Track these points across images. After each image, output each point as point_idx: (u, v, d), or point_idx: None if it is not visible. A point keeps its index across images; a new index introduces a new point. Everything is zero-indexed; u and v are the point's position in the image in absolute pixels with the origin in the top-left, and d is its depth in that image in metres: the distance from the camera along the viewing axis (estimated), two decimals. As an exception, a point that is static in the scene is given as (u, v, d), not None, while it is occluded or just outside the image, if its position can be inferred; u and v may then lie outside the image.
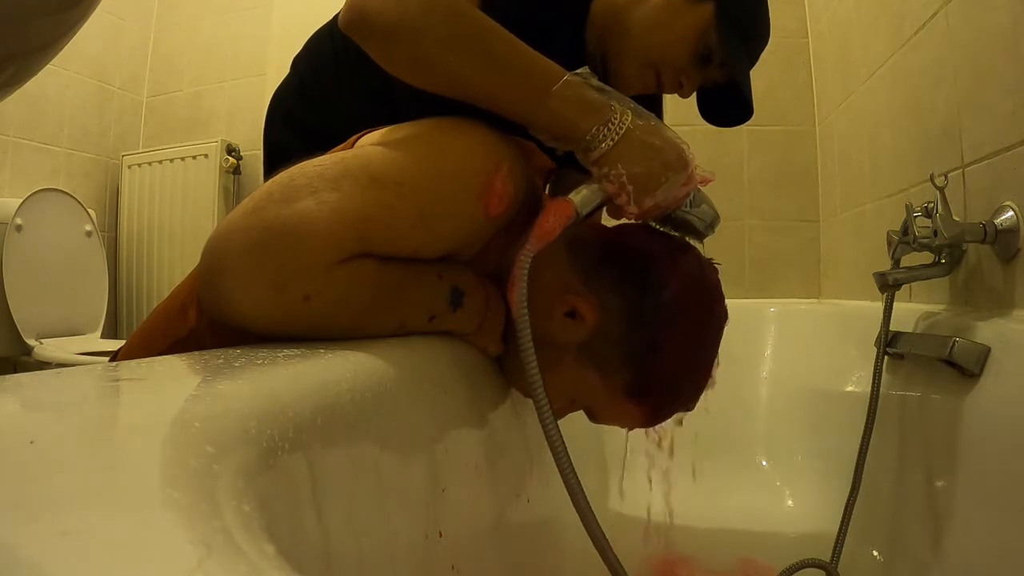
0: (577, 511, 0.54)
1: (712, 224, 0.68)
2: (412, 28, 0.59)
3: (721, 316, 0.67)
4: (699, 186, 0.66)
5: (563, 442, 0.56)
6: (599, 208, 0.63)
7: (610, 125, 0.61)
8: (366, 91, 0.85)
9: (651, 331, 0.62)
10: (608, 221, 0.72)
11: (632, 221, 0.67)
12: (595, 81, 0.63)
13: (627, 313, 0.62)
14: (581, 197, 0.61)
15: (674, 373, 0.64)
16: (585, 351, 0.63)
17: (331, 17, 0.92)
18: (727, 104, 0.87)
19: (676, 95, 0.86)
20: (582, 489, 0.54)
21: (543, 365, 0.65)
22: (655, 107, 0.95)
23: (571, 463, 0.55)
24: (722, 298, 0.67)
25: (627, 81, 0.82)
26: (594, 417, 0.69)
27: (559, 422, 0.61)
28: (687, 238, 0.70)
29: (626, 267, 0.64)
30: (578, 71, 0.63)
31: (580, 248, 0.65)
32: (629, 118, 0.62)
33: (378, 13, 0.59)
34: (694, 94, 0.87)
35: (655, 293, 0.63)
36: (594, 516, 0.54)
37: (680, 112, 0.98)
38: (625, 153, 0.61)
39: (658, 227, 0.69)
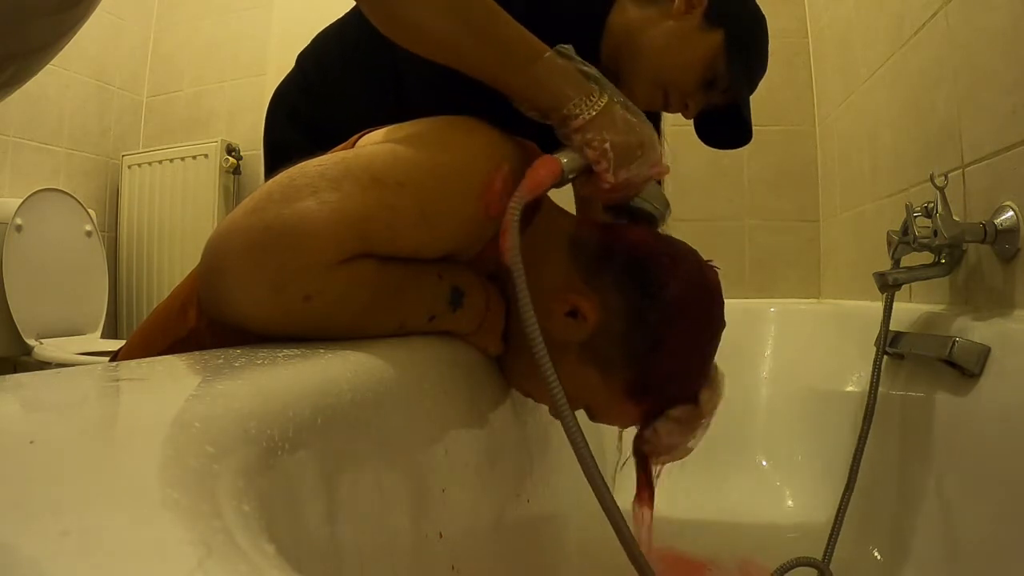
0: (597, 497, 0.54)
1: (665, 214, 0.70)
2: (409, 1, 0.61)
3: (720, 318, 0.67)
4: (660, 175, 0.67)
5: (572, 414, 0.55)
6: (579, 175, 0.63)
7: (592, 96, 0.63)
8: (373, 88, 0.86)
9: (651, 330, 0.63)
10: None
11: (599, 201, 0.68)
12: (577, 58, 0.65)
13: (628, 312, 0.62)
14: (566, 158, 0.62)
15: (671, 373, 0.64)
16: (586, 350, 0.63)
17: (336, 17, 0.93)
18: (725, 127, 0.90)
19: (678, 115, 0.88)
20: (600, 473, 0.54)
21: None
22: (654, 122, 0.96)
23: (583, 434, 0.54)
24: (721, 302, 0.68)
25: (635, 99, 0.83)
26: (593, 416, 0.69)
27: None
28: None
29: (627, 266, 0.64)
30: (562, 48, 0.64)
31: (580, 247, 0.66)
32: (608, 92, 0.64)
33: None
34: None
35: (656, 292, 0.63)
36: (616, 505, 0.54)
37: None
38: (607, 123, 0.62)
39: (615, 216, 0.71)
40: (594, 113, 0.62)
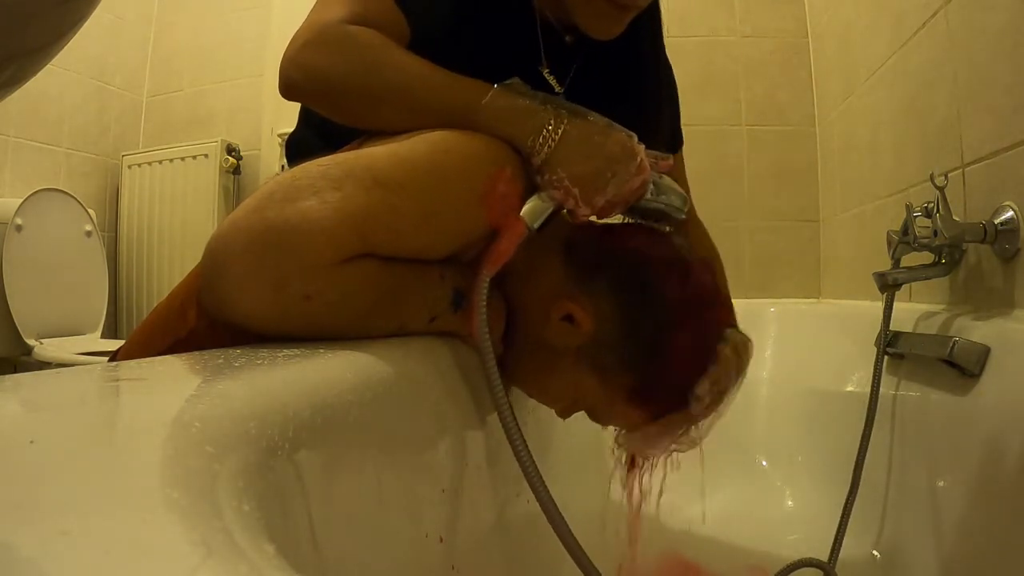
0: (544, 512, 0.54)
1: (680, 208, 0.67)
2: (335, 92, 0.64)
3: (717, 322, 0.66)
4: (659, 172, 0.65)
5: (531, 457, 0.55)
6: (553, 216, 0.61)
7: (546, 131, 0.60)
8: None
9: (647, 337, 0.62)
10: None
11: (599, 219, 0.67)
12: (525, 89, 0.63)
13: (624, 318, 0.62)
14: (530, 211, 0.59)
15: (672, 379, 0.64)
16: (583, 355, 0.63)
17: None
18: None
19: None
20: (549, 493, 0.54)
21: (542, 368, 0.65)
22: (639, 70, 0.89)
23: (539, 473, 0.55)
24: (720, 303, 0.67)
25: (588, 23, 0.73)
26: (596, 418, 0.68)
27: (558, 422, 0.60)
28: (661, 225, 0.69)
29: (621, 273, 0.63)
30: (507, 82, 0.63)
31: (576, 253, 0.65)
32: (565, 120, 0.61)
33: (304, 82, 0.64)
34: None
35: (650, 299, 0.62)
36: (561, 515, 0.54)
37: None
38: (564, 156, 0.60)
39: (629, 220, 0.69)
40: (550, 149, 0.60)
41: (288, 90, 0.66)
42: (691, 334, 0.64)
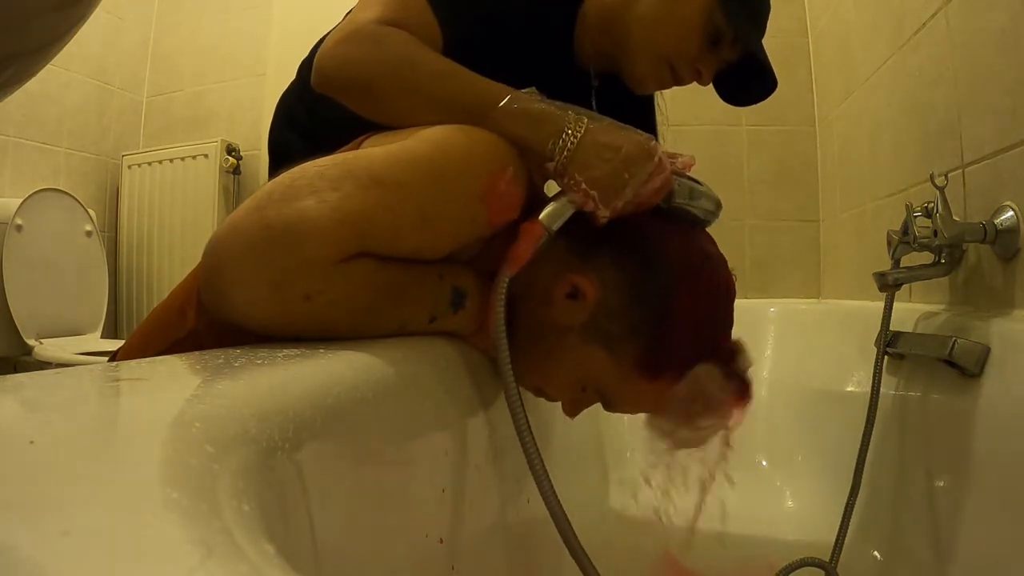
0: (549, 510, 0.54)
1: (714, 211, 0.67)
2: (364, 83, 0.67)
3: (724, 283, 0.66)
4: (685, 172, 0.65)
5: (538, 451, 0.56)
6: (574, 219, 0.62)
7: (565, 135, 0.62)
8: None
9: (653, 301, 0.62)
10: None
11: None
12: (542, 97, 0.64)
13: (627, 285, 0.62)
14: (549, 214, 0.60)
15: (682, 343, 0.63)
16: (589, 329, 0.63)
17: (335, 17, 0.93)
18: (745, 81, 0.86)
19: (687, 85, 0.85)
20: (554, 490, 0.54)
21: (547, 353, 0.65)
22: (646, 114, 0.94)
23: (545, 469, 0.55)
24: (724, 266, 0.67)
25: (642, 81, 0.82)
26: (609, 403, 0.67)
27: (566, 420, 0.60)
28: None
29: (623, 241, 0.63)
30: (525, 90, 0.64)
31: (576, 229, 0.65)
32: (584, 124, 0.62)
33: (336, 74, 0.68)
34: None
35: (653, 263, 0.62)
36: (564, 512, 0.54)
37: (679, 113, 0.98)
38: (582, 159, 0.61)
39: None
40: (568, 152, 0.61)
41: (320, 81, 0.69)
42: (696, 295, 0.64)
